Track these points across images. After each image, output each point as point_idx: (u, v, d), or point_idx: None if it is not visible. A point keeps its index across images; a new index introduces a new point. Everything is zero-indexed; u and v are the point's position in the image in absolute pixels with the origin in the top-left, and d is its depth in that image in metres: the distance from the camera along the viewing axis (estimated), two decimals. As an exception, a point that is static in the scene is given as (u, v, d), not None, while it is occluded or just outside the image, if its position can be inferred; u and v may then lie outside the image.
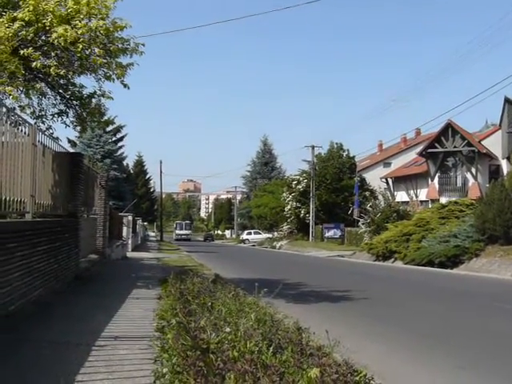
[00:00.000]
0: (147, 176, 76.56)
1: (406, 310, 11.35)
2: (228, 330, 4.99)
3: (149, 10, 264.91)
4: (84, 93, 11.88)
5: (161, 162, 70.53)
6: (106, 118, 14.48)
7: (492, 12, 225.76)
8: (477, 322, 9.73)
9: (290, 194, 56.09)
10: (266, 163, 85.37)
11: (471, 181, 42.21)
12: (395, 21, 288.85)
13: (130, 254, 26.29)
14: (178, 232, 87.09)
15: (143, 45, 10.96)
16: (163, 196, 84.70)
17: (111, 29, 10.23)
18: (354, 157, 55.69)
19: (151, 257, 26.37)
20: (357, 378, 3.91)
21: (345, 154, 55.38)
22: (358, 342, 7.18)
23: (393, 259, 27.58)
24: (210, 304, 6.67)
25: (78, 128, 12.76)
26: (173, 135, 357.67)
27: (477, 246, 22.51)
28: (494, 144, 40.79)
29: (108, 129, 45.81)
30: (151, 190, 79.96)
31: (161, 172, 69.97)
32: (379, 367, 5.74)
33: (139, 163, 74.70)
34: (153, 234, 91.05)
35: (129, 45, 10.74)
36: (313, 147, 55.11)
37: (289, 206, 56.23)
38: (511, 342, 7.93)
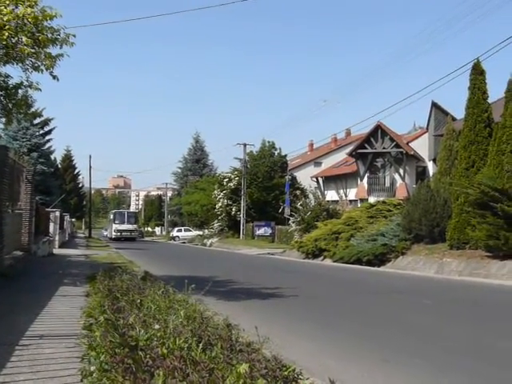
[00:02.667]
0: (76, 171, 75.00)
1: (333, 306, 11.54)
2: (157, 326, 4.93)
3: None
4: (10, 83, 11.49)
5: (90, 157, 69.00)
6: (33, 109, 14.08)
7: (422, 19, 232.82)
8: (400, 317, 10.00)
9: (221, 191, 56.10)
10: (197, 160, 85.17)
11: (399, 181, 43.38)
12: (333, 19, 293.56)
13: (56, 251, 25.68)
14: (117, 227, 59.65)
15: (74, 36, 10.71)
16: (92, 192, 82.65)
17: (40, 17, 9.93)
18: (285, 155, 56.25)
19: (79, 253, 25.85)
20: (285, 373, 3.93)
21: (276, 153, 55.86)
22: (287, 338, 7.26)
23: (322, 257, 27.99)
24: (139, 301, 6.57)
25: (3, 120, 12.32)
26: (103, 130, 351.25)
27: (403, 245, 23.14)
28: (422, 146, 42.03)
29: (35, 121, 44.65)
30: (80, 185, 78.37)
31: (90, 167, 68.49)
32: (308, 363, 5.82)
33: (68, 157, 73.00)
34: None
35: (59, 35, 10.46)
36: (245, 145, 55.31)
37: (220, 204, 56.22)
38: (430, 335, 8.20)
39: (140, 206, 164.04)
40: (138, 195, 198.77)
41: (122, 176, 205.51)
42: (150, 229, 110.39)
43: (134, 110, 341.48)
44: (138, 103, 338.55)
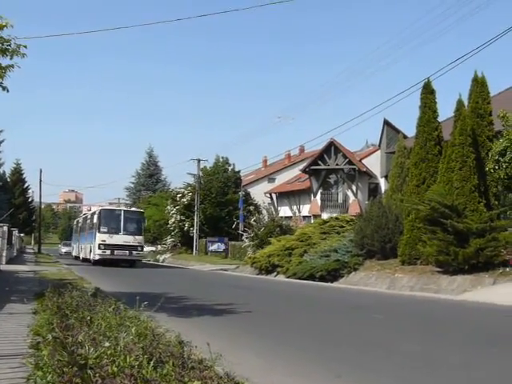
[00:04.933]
0: (26, 185, 73.53)
1: (287, 322, 11.51)
2: (107, 344, 4.81)
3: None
4: (-43, 94, 11.18)
5: (40, 171, 67.53)
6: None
7: (378, 37, 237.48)
8: (352, 332, 10.04)
9: (175, 207, 55.78)
10: (150, 175, 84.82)
11: (351, 198, 43.95)
12: (289, 36, 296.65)
13: (4, 267, 25.02)
14: (105, 239, 33.33)
15: (25, 46, 10.51)
16: (42, 206, 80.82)
17: (-11, 27, 9.72)
18: (239, 171, 56.41)
19: (28, 270, 25.19)
20: (238, 391, 3.89)
21: (230, 169, 55.94)
22: (240, 355, 7.18)
23: (275, 273, 28.03)
24: (89, 318, 6.42)
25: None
26: (54, 144, 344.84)
27: (356, 261, 23.37)
28: (374, 163, 42.78)
29: (-16, 134, 43.73)
30: (29, 199, 76.75)
31: (40, 181, 67.06)
32: (261, 379, 5.76)
33: (17, 171, 71.55)
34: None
35: (9, 45, 10.25)
36: (198, 160, 55.20)
37: (173, 219, 55.87)
38: (382, 350, 8.25)
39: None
40: (89, 210, 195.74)
41: (73, 190, 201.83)
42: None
43: (86, 124, 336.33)
44: (91, 117, 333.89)
